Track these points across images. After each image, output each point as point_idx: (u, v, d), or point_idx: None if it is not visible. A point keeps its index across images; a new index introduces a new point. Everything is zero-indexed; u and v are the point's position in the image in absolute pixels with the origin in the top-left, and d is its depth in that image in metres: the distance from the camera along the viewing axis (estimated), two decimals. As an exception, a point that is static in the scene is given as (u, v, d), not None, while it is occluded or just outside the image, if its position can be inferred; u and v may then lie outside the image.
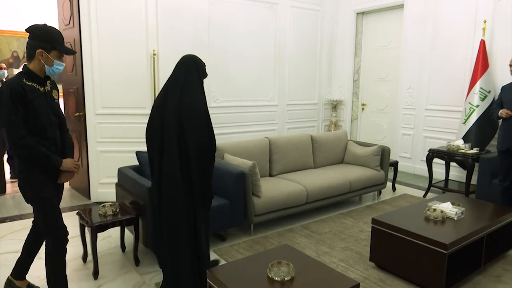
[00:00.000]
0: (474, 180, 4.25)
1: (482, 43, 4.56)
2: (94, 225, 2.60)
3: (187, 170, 2.22)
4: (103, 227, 2.67)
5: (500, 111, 3.58)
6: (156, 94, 4.14)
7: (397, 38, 5.79)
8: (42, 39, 2.04)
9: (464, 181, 4.79)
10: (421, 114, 5.52)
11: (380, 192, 4.62)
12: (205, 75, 2.37)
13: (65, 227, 2.21)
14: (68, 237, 2.23)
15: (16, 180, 2.22)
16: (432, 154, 4.54)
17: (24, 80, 2.04)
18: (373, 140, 5.90)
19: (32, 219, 2.37)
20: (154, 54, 4.00)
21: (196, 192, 2.25)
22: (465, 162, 4.24)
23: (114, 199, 4.14)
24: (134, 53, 4.01)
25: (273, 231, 3.51)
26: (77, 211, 2.98)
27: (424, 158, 5.42)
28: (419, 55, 5.44)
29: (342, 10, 6.45)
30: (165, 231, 2.27)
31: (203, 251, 2.32)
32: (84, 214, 2.80)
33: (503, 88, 3.69)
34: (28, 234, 2.39)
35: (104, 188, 4.24)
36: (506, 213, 2.94)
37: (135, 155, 3.35)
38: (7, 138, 2.05)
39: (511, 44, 4.44)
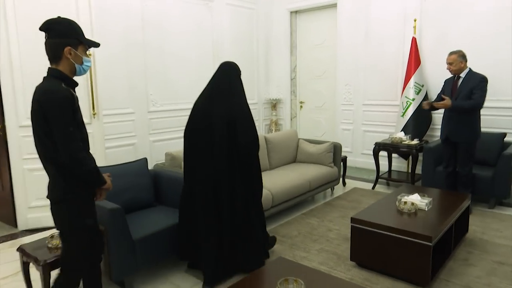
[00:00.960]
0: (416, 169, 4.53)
1: (414, 40, 4.87)
2: (47, 263, 2.13)
3: (233, 170, 2.45)
4: (57, 264, 2.21)
5: (423, 103, 3.95)
6: (95, 99, 3.68)
7: (332, 36, 5.95)
8: (67, 34, 1.75)
9: (404, 170, 5.14)
10: (359, 109, 5.75)
11: (333, 188, 4.68)
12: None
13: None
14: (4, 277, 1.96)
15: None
16: (379, 147, 4.73)
17: (63, 85, 1.73)
18: (313, 137, 5.97)
19: None
20: (89, 55, 3.50)
21: (247, 190, 2.53)
22: (409, 152, 4.49)
23: (50, 225, 3.56)
24: (65, 54, 3.47)
25: (242, 241, 3.30)
26: (17, 246, 2.45)
27: (364, 152, 5.71)
28: (354, 53, 5.65)
29: (276, 8, 6.44)
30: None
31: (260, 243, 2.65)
32: (28, 249, 2.30)
33: (446, 81, 3.94)
34: None
35: (35, 212, 3.62)
36: (464, 199, 3.13)
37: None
38: (64, 154, 1.67)
39: (438, 41, 4.82)
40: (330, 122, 6.23)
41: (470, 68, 3.70)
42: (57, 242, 2.30)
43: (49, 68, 1.78)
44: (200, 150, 2.49)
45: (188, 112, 5.42)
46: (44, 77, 1.78)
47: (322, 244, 3.21)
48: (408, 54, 4.92)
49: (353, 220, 2.76)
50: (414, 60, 4.86)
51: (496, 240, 3.20)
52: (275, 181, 3.73)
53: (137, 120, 4.79)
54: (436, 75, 4.82)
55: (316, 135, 6.25)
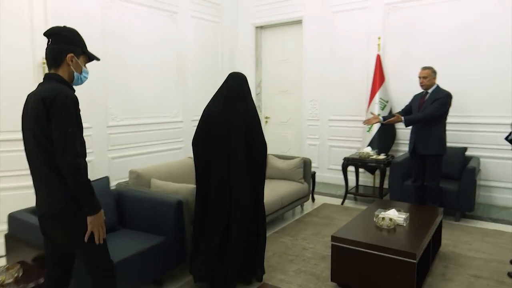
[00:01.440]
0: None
1: (378, 57, 4.98)
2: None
3: (251, 172, 2.58)
4: (3, 303, 1.89)
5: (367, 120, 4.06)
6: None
7: (298, 52, 5.97)
8: (71, 41, 1.73)
9: (370, 185, 5.17)
10: (325, 125, 5.76)
11: (303, 205, 4.58)
12: None
13: None
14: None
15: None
16: (347, 162, 4.72)
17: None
18: (279, 152, 5.89)
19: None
20: (44, 63, 3.19)
21: (259, 189, 2.68)
22: (377, 167, 4.51)
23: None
24: (17, 62, 3.13)
25: (214, 264, 3.08)
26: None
27: (331, 167, 5.70)
28: (319, 68, 5.69)
29: (240, 23, 6.39)
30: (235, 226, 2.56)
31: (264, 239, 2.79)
32: (-33, 287, 1.95)
33: (415, 96, 4.00)
34: None
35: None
36: (438, 213, 3.14)
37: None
38: (59, 155, 1.58)
39: (400, 58, 4.97)
40: (296, 138, 6.19)
41: (437, 85, 3.79)
42: (2, 277, 1.97)
43: (47, 73, 1.73)
44: (217, 156, 2.57)
45: (151, 127, 5.20)
46: (41, 83, 1.73)
47: (299, 265, 3.06)
48: (373, 71, 5.01)
49: (333, 238, 2.65)
50: (379, 77, 4.97)
51: (468, 253, 3.23)
52: (247, 199, 3.56)
53: (94, 136, 4.45)
54: (399, 91, 4.96)
55: (282, 151, 6.16)
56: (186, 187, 2.89)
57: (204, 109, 2.70)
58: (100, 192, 2.72)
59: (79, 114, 1.69)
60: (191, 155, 5.59)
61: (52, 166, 1.62)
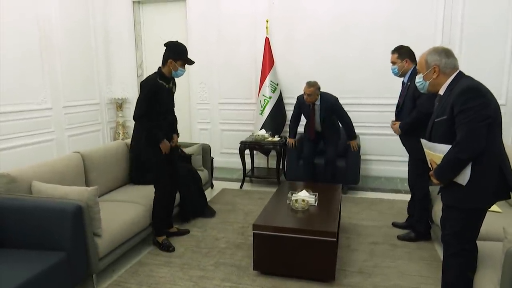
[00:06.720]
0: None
1: (267, 40, 5.04)
2: None
3: None
4: None
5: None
6: None
7: (182, 31, 5.63)
8: (173, 52, 2.85)
9: (264, 166, 5.31)
10: (215, 108, 5.64)
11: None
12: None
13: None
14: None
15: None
16: (244, 146, 4.71)
17: (158, 79, 2.86)
18: (167, 139, 5.60)
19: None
20: None
21: None
22: (274, 149, 4.62)
23: None
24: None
25: (121, 272, 2.72)
26: None
27: (223, 151, 5.67)
28: (207, 50, 5.49)
29: (115, -4, 5.69)
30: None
31: None
32: None
33: (299, 100, 4.28)
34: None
35: None
36: (338, 189, 3.37)
37: None
38: (134, 115, 2.87)
39: (286, 42, 5.13)
40: (184, 122, 5.87)
41: (320, 95, 4.09)
42: None
43: (159, 67, 2.90)
44: None
45: (11, 116, 4.30)
46: (156, 72, 2.93)
47: (216, 257, 2.93)
48: (263, 54, 5.06)
49: (255, 227, 2.59)
50: (269, 60, 5.04)
51: (362, 222, 3.58)
52: (147, 194, 3.22)
53: None
54: (286, 73, 5.16)
55: (170, 137, 5.83)
56: (85, 190, 2.42)
57: None
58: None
59: (157, 93, 2.82)
60: (67, 148, 4.87)
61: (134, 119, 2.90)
